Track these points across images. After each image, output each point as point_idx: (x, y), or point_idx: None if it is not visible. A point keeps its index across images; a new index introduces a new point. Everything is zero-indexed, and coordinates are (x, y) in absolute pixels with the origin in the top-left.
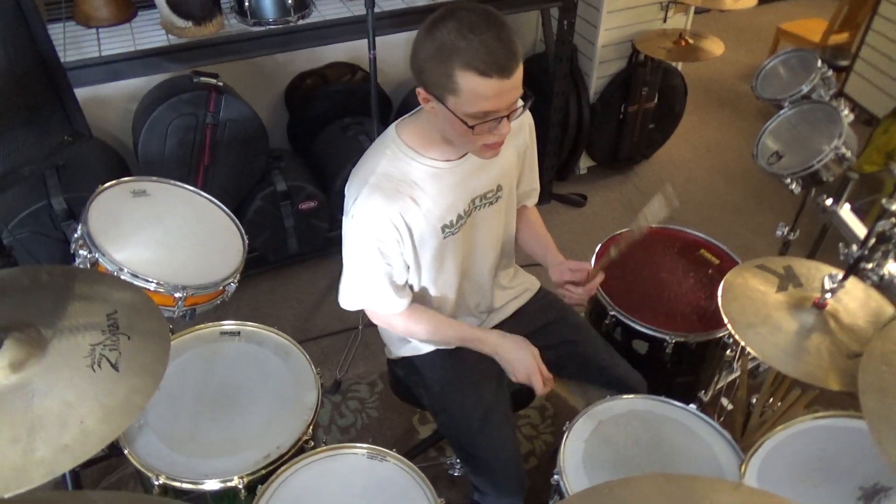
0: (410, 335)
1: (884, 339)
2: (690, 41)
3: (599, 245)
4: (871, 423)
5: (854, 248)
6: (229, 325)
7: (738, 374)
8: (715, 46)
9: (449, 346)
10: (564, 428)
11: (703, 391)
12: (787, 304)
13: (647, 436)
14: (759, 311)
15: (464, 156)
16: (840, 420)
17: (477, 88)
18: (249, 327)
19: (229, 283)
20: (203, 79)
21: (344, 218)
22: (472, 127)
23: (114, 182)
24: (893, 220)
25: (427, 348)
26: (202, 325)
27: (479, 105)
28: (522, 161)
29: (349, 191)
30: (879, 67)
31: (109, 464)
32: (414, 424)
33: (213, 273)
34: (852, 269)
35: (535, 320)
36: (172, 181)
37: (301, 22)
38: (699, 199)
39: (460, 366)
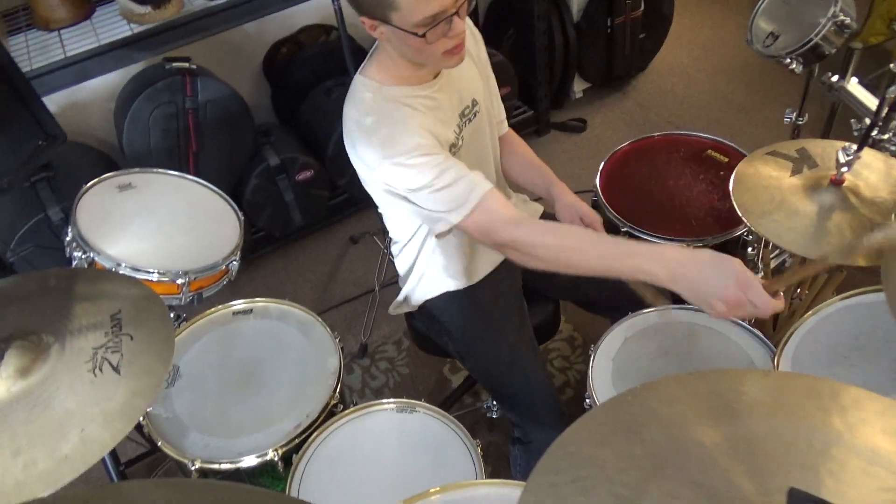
0: (558, 248)
1: None
2: None
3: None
4: (888, 289)
5: (867, 121)
6: (240, 303)
7: (760, 274)
8: None
9: (579, 270)
10: (590, 350)
11: None
12: (802, 187)
13: (676, 345)
14: (772, 198)
15: (437, 76)
16: (868, 297)
17: None
18: (260, 303)
19: (231, 262)
20: (175, 64)
21: (373, 170)
22: (423, 36)
23: (97, 180)
24: None
25: (438, 290)
26: (214, 308)
27: (423, 10)
28: (485, 79)
29: (358, 148)
30: None
31: (155, 459)
32: (445, 374)
33: (213, 254)
34: (866, 137)
35: None
36: (156, 169)
37: None
38: (703, 103)
39: (478, 307)
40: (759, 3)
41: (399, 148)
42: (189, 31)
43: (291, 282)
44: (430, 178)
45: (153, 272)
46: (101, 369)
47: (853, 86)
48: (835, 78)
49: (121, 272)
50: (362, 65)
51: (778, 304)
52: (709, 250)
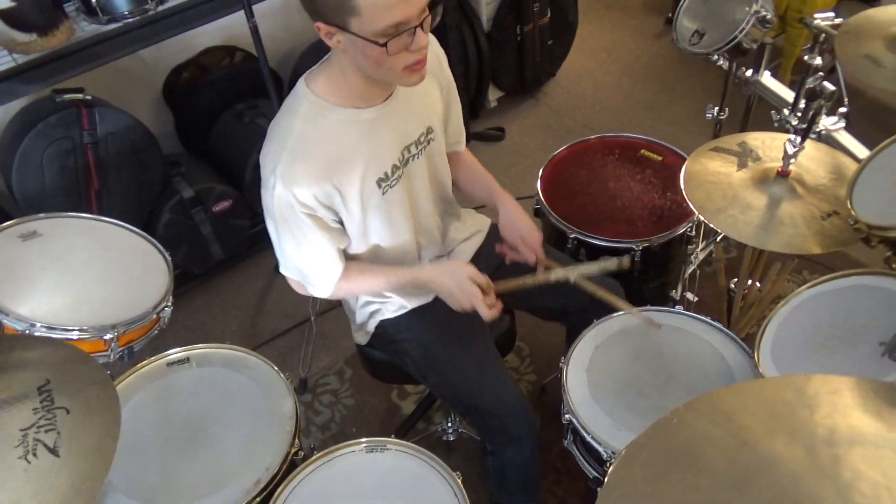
0: (349, 295)
1: None
2: None
3: (542, 169)
4: None
5: (786, 112)
6: (175, 352)
7: (693, 267)
8: None
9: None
10: (561, 363)
11: (673, 290)
12: (751, 181)
13: (647, 348)
14: (725, 194)
15: (388, 98)
16: (838, 282)
17: None
18: (198, 350)
19: (163, 309)
20: (67, 96)
21: (262, 190)
22: (385, 45)
23: None
24: (820, 74)
25: (395, 311)
26: (146, 361)
27: (386, 18)
28: (447, 100)
29: (265, 160)
30: None
31: None
32: (394, 401)
33: (141, 302)
34: (809, 127)
35: (493, 259)
36: (63, 213)
37: (161, 8)
38: (613, 106)
39: (438, 320)
40: (681, 3)
41: (282, 191)
42: (80, 59)
43: (216, 320)
44: (287, 240)
45: (73, 329)
46: (34, 454)
47: (767, 78)
48: (749, 72)
49: (36, 334)
50: (311, 69)
51: (493, 313)
52: (448, 266)
